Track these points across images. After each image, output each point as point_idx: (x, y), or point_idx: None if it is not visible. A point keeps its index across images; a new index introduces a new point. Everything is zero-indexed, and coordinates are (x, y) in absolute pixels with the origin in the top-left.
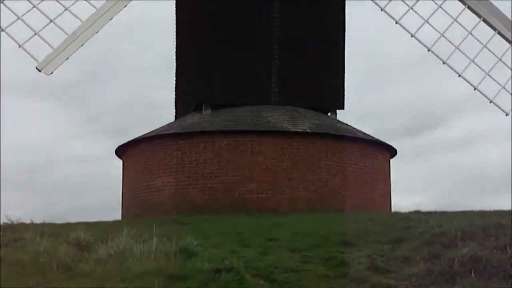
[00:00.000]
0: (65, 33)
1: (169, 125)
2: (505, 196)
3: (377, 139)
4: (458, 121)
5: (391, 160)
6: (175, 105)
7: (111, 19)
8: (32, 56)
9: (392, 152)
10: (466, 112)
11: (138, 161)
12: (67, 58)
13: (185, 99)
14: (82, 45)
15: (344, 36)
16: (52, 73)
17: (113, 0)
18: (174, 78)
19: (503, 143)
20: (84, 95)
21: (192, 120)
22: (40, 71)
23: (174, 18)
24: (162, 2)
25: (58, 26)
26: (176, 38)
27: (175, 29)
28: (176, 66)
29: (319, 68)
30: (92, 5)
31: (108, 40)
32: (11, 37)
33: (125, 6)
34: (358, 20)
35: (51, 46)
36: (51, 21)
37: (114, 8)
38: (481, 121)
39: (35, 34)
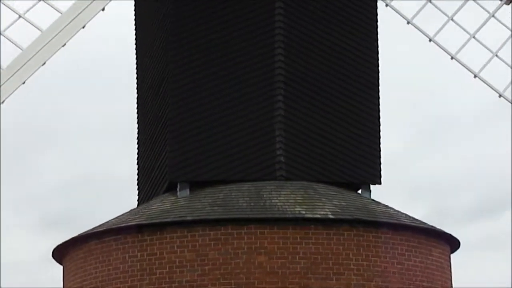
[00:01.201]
0: None
1: (130, 213)
2: None
3: (431, 226)
4: None
5: (452, 255)
6: (138, 184)
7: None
8: None
9: (454, 244)
10: None
11: (86, 266)
12: None
13: (152, 175)
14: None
15: (378, 77)
16: None
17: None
18: (136, 145)
19: None
20: (7, 170)
21: (163, 206)
22: None
23: (135, 60)
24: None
25: None
26: (138, 88)
27: (136, 74)
28: (138, 127)
29: (343, 125)
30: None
31: (45, 90)
32: None
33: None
34: (400, 55)
35: None
36: None
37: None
38: None
39: None
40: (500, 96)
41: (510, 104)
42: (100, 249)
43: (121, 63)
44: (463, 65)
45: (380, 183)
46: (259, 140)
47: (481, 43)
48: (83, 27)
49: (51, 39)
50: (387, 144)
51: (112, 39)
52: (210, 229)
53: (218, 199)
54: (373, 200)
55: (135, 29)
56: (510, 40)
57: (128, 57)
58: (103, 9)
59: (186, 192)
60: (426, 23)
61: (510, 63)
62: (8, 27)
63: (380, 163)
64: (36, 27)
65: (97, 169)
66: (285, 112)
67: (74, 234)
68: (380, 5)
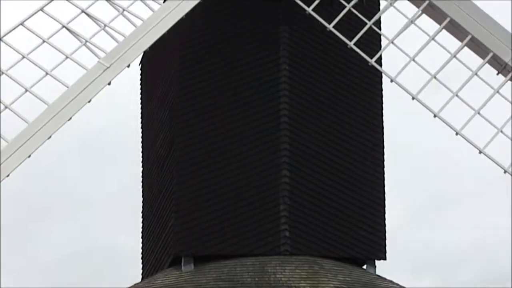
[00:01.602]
0: None
1: (134, 287)
2: None
3: None
4: None
5: None
6: (142, 258)
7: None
8: None
9: None
10: None
11: None
12: None
13: (156, 248)
14: (8, 175)
15: (383, 152)
16: None
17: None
18: (141, 218)
19: None
20: (8, 243)
21: (167, 280)
22: None
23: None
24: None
25: None
26: (143, 160)
27: (141, 148)
28: (143, 201)
29: (348, 201)
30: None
31: (48, 161)
32: None
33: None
34: (405, 130)
35: None
36: None
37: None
38: None
39: None
40: (505, 172)
41: None
42: None
43: (126, 136)
44: (468, 141)
45: (385, 259)
46: (263, 215)
47: (486, 119)
48: (89, 101)
49: (57, 113)
50: (391, 218)
51: (117, 112)
52: None
53: (222, 273)
54: (378, 275)
55: (141, 103)
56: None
57: (134, 129)
58: (109, 83)
59: (191, 266)
60: (431, 99)
61: None
62: (14, 101)
63: (385, 239)
64: (42, 101)
65: (101, 242)
66: (290, 187)
67: None
68: (385, 80)
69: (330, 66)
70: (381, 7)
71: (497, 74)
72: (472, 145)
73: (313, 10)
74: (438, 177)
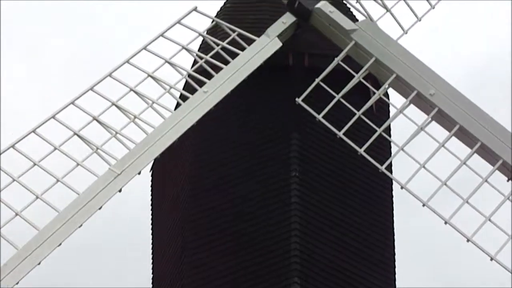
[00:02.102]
0: None
1: None
2: None
3: None
4: None
5: None
6: None
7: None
8: None
9: None
10: None
11: None
12: None
13: None
14: (18, 282)
15: (393, 254)
16: None
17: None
18: None
19: None
20: None
21: None
22: None
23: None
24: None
25: None
26: (153, 265)
27: (151, 249)
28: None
29: None
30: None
31: (57, 267)
32: None
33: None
34: (416, 236)
35: None
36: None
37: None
38: None
39: None
40: None
41: None
42: None
43: (137, 242)
44: (479, 248)
45: None
46: None
47: (496, 225)
48: (100, 208)
49: (68, 220)
50: None
51: (128, 219)
52: None
53: None
54: None
55: (152, 209)
56: None
57: (144, 235)
58: (120, 191)
59: None
60: (442, 205)
61: None
62: (25, 208)
63: None
64: (52, 208)
65: None
66: None
67: None
68: (396, 186)
69: (340, 172)
70: (391, 114)
71: (508, 180)
72: (483, 251)
73: (323, 117)
74: (450, 284)
